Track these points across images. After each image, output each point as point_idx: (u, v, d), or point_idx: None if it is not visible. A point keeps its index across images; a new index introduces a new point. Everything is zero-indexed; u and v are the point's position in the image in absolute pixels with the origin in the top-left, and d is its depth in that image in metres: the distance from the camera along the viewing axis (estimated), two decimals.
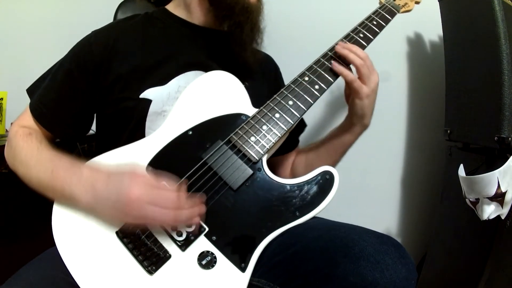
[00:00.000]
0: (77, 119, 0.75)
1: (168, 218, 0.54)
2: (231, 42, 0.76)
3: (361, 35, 0.76)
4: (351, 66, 0.72)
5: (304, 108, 0.68)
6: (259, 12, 0.78)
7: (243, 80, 0.73)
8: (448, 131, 1.07)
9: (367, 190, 1.31)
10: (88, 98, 0.73)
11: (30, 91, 0.76)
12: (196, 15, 0.79)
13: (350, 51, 0.70)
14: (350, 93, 0.73)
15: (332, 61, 0.71)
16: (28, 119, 0.72)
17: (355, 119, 0.75)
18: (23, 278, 0.55)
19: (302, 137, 0.97)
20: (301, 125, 0.95)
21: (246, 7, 0.74)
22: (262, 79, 0.85)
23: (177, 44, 0.77)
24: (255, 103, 0.70)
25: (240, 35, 0.75)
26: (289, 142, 0.87)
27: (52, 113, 0.72)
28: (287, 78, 0.79)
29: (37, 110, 0.72)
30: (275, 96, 0.69)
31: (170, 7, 0.82)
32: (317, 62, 0.72)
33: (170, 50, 0.76)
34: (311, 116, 1.25)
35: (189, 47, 0.78)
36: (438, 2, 1.09)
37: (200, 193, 0.59)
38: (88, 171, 0.58)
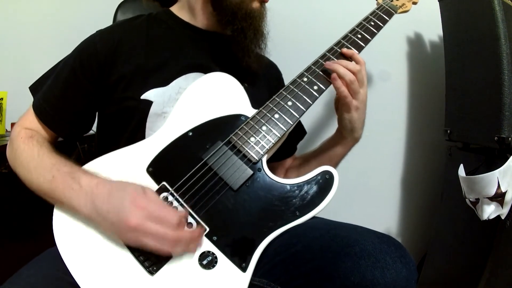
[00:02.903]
0: (79, 118, 0.75)
1: (163, 251, 0.53)
2: (234, 48, 0.76)
3: (359, 36, 0.76)
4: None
5: (303, 108, 0.68)
6: (262, 18, 0.77)
7: (242, 82, 0.73)
8: (448, 131, 1.07)
9: (367, 190, 1.31)
10: (91, 97, 0.73)
11: (33, 89, 0.76)
12: (199, 18, 0.79)
13: (340, 65, 0.69)
14: (339, 106, 0.73)
15: (333, 75, 0.70)
16: (31, 120, 0.72)
17: (345, 133, 0.75)
18: (23, 277, 0.55)
19: (300, 142, 0.97)
20: (300, 132, 0.96)
21: (249, 13, 0.74)
22: (263, 83, 0.85)
23: (180, 46, 0.77)
24: (254, 104, 0.70)
25: (243, 41, 0.75)
26: (287, 148, 0.88)
27: (55, 111, 0.72)
28: (286, 79, 0.79)
29: (39, 109, 0.72)
30: (274, 97, 0.69)
31: (174, 9, 0.83)
32: (315, 63, 0.72)
33: (172, 52, 0.76)
34: (310, 121, 1.25)
35: (192, 49, 0.78)
36: (438, 2, 1.10)
37: (200, 226, 0.58)
38: (87, 184, 0.57)
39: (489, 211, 0.83)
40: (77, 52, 0.74)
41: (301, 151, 0.96)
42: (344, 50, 0.73)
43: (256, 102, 0.70)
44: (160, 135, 0.66)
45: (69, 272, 0.53)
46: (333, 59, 0.72)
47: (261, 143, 0.64)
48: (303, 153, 0.93)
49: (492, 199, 0.82)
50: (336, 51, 0.73)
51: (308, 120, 1.21)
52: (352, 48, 0.74)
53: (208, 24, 0.79)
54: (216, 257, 0.56)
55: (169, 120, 0.67)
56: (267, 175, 0.63)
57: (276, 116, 0.67)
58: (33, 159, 0.64)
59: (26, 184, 0.64)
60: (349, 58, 0.73)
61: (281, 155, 0.85)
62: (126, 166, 0.63)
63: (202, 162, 0.62)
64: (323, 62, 0.71)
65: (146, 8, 0.90)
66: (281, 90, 0.69)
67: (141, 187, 0.56)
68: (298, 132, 0.94)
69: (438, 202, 1.16)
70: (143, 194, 0.55)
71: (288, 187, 0.62)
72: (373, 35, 0.78)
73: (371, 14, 0.81)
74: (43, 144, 0.67)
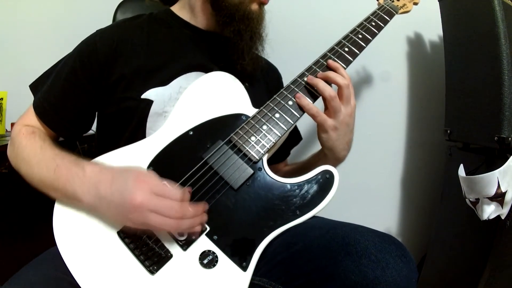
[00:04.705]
0: (79, 118, 0.75)
1: (170, 227, 0.53)
2: (230, 50, 0.75)
3: (360, 36, 0.76)
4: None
5: None
6: (261, 20, 0.77)
7: (243, 82, 0.73)
8: (448, 131, 1.07)
9: (367, 190, 1.31)
10: (91, 97, 0.73)
11: (33, 87, 0.76)
12: (199, 18, 0.79)
13: (322, 78, 0.66)
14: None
15: (297, 94, 0.68)
16: (32, 118, 0.72)
17: (326, 151, 0.72)
18: (24, 278, 0.55)
19: (296, 148, 0.97)
20: (296, 137, 0.96)
21: (247, 15, 0.74)
22: (263, 84, 0.85)
23: (181, 46, 0.77)
24: (254, 104, 0.70)
25: (239, 43, 0.74)
26: (281, 153, 0.88)
27: (55, 111, 0.72)
28: (287, 79, 0.79)
29: (40, 108, 0.72)
30: (275, 96, 0.69)
31: (175, 8, 0.83)
32: (316, 62, 0.72)
33: (173, 51, 0.76)
34: (308, 126, 1.25)
35: (192, 49, 0.78)
36: (438, 2, 1.10)
37: (203, 201, 0.59)
38: (91, 170, 0.58)
39: (489, 211, 0.83)
40: (77, 51, 0.74)
41: (297, 157, 0.96)
42: (330, 62, 0.70)
43: (256, 102, 0.70)
44: (161, 134, 0.66)
45: (69, 272, 0.53)
46: (334, 59, 0.72)
47: (262, 142, 0.64)
48: (292, 164, 0.93)
49: (492, 199, 0.82)
50: (337, 51, 0.73)
51: (306, 124, 1.21)
52: (340, 62, 0.71)
53: (208, 24, 0.79)
54: (216, 256, 0.56)
55: (170, 119, 0.67)
56: (267, 174, 0.63)
57: (277, 115, 0.67)
58: (35, 154, 0.64)
59: (27, 180, 0.64)
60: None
61: (274, 159, 0.85)
62: (127, 165, 0.63)
63: (202, 162, 0.62)
64: (324, 62, 0.71)
65: (147, 7, 0.90)
66: (282, 90, 0.69)
67: (143, 171, 0.57)
68: (293, 137, 0.94)
69: (438, 202, 1.16)
70: (146, 175, 0.55)
71: (289, 186, 0.62)
72: (374, 35, 0.78)
73: (372, 14, 0.81)
74: (45, 140, 0.67)
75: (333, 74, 0.68)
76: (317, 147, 0.79)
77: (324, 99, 0.67)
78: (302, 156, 0.95)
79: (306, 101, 0.67)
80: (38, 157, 0.63)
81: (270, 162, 0.66)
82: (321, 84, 0.67)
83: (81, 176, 0.57)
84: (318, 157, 0.78)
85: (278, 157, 0.90)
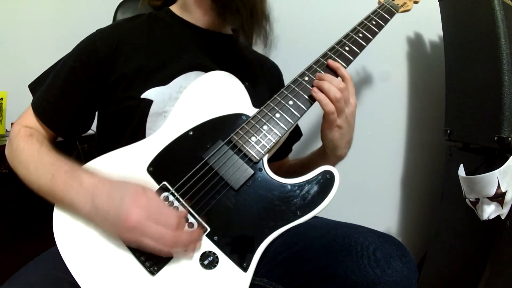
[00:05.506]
0: (79, 117, 0.74)
1: (161, 251, 0.53)
2: (234, 33, 0.74)
3: (360, 35, 0.76)
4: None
5: (304, 108, 0.68)
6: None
7: (243, 80, 0.73)
8: (448, 131, 1.07)
9: (367, 190, 1.32)
10: (91, 97, 0.73)
11: (32, 87, 0.76)
12: (197, 15, 0.79)
13: (317, 87, 0.66)
14: (323, 121, 0.69)
15: (314, 87, 0.67)
16: (30, 118, 0.72)
17: (327, 150, 0.72)
18: (24, 278, 0.55)
19: (296, 144, 0.97)
20: (296, 134, 0.96)
21: None
22: (264, 83, 0.85)
23: (180, 45, 0.77)
24: (255, 103, 0.70)
25: (239, 19, 0.72)
26: (282, 150, 0.88)
27: (54, 110, 0.71)
28: (287, 78, 0.79)
29: (39, 107, 0.72)
30: (275, 96, 0.69)
31: (174, 8, 0.82)
32: (316, 62, 0.72)
33: (173, 51, 0.76)
34: (307, 124, 1.25)
35: (192, 48, 0.78)
36: (438, 2, 1.10)
37: (199, 227, 0.58)
38: (89, 180, 0.57)
39: (489, 211, 0.84)
40: (77, 51, 0.74)
41: (297, 154, 0.96)
42: (330, 62, 0.71)
43: (256, 101, 0.70)
44: (161, 134, 0.66)
45: (70, 272, 0.53)
46: (334, 58, 0.72)
47: (262, 142, 0.64)
48: (293, 160, 0.93)
49: (492, 199, 0.82)
50: (338, 50, 0.73)
51: (305, 123, 1.21)
52: (340, 61, 0.71)
53: (207, 21, 0.79)
54: (217, 257, 0.56)
55: (170, 119, 0.67)
56: (268, 174, 0.63)
57: (277, 115, 0.67)
58: (33, 158, 0.63)
59: (25, 183, 0.63)
60: (334, 71, 0.70)
61: (276, 156, 0.85)
62: (127, 165, 0.63)
63: (202, 162, 0.62)
64: (324, 61, 0.71)
65: (146, 8, 0.90)
66: (282, 89, 0.69)
67: (141, 187, 0.56)
68: (294, 134, 0.94)
69: (438, 202, 1.16)
70: (143, 193, 0.55)
71: (289, 186, 0.62)
72: (374, 34, 0.77)
73: (372, 13, 0.81)
74: (42, 143, 0.67)
75: (330, 78, 0.67)
76: (316, 144, 0.79)
77: (331, 100, 0.66)
78: (302, 154, 0.95)
79: (322, 95, 0.66)
80: (35, 162, 0.63)
81: (271, 159, 0.67)
82: (326, 85, 0.66)
83: (77, 189, 0.56)
84: (319, 155, 0.78)
85: (279, 155, 0.90)
